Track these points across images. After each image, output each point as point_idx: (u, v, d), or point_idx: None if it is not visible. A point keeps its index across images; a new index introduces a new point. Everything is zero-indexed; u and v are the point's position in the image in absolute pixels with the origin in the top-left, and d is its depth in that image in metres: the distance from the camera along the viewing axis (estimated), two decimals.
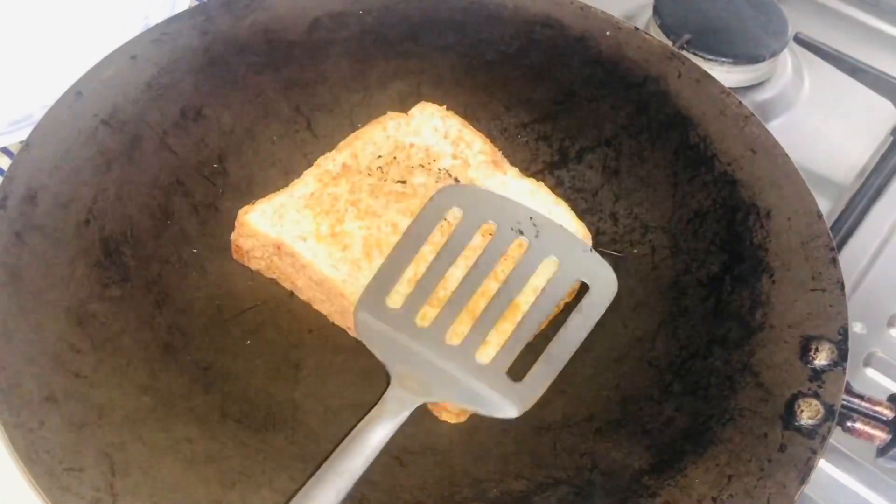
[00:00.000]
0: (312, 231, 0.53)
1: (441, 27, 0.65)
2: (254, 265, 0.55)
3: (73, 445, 0.44)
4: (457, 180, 0.56)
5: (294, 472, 0.45)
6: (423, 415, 0.50)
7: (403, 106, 0.62)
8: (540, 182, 0.58)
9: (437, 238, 0.53)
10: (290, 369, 0.51)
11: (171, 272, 0.53)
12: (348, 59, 0.64)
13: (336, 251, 0.52)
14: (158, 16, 0.72)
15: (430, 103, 0.60)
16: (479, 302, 0.51)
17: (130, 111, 0.58)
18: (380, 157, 0.56)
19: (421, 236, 0.52)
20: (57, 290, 0.50)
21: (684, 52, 0.67)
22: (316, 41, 0.64)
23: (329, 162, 0.56)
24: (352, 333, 0.53)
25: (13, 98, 0.69)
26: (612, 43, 0.66)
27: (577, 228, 0.56)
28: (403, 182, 0.56)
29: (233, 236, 0.54)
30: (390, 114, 0.59)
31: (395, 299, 0.50)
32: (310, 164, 0.57)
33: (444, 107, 0.60)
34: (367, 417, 0.45)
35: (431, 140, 0.58)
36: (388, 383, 0.48)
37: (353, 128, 0.61)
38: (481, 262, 0.51)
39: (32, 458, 0.43)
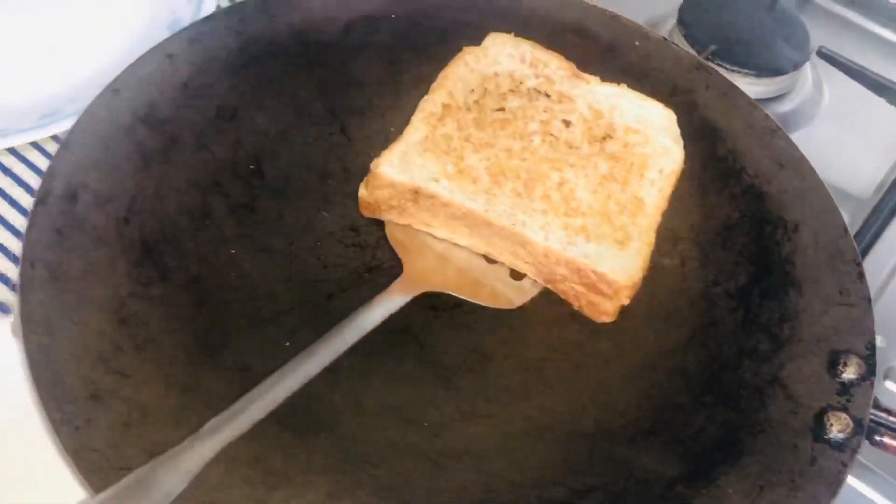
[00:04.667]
0: (441, 171, 0.55)
1: (472, 32, 0.66)
2: (384, 215, 0.57)
3: (120, 444, 0.44)
4: (547, 95, 0.60)
5: (336, 474, 0.46)
6: (459, 418, 0.50)
7: None
8: (623, 84, 0.61)
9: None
10: (326, 371, 0.51)
11: (210, 272, 0.54)
12: (381, 63, 0.64)
13: (468, 185, 0.55)
14: (186, 10, 0.72)
15: (498, 33, 0.63)
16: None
17: (167, 110, 0.58)
18: (472, 90, 0.59)
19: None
20: (98, 287, 0.50)
21: (709, 63, 0.68)
22: (350, 44, 0.64)
23: (430, 105, 0.58)
24: (497, 257, 0.56)
25: (42, 92, 0.70)
26: (640, 53, 0.67)
27: (668, 115, 0.60)
28: (502, 109, 0.58)
29: (362, 191, 0.56)
30: (466, 48, 0.62)
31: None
32: (345, 167, 0.58)
33: (513, 33, 0.63)
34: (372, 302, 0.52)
35: (511, 66, 0.61)
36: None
37: (386, 131, 0.61)
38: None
39: (80, 456, 0.43)
